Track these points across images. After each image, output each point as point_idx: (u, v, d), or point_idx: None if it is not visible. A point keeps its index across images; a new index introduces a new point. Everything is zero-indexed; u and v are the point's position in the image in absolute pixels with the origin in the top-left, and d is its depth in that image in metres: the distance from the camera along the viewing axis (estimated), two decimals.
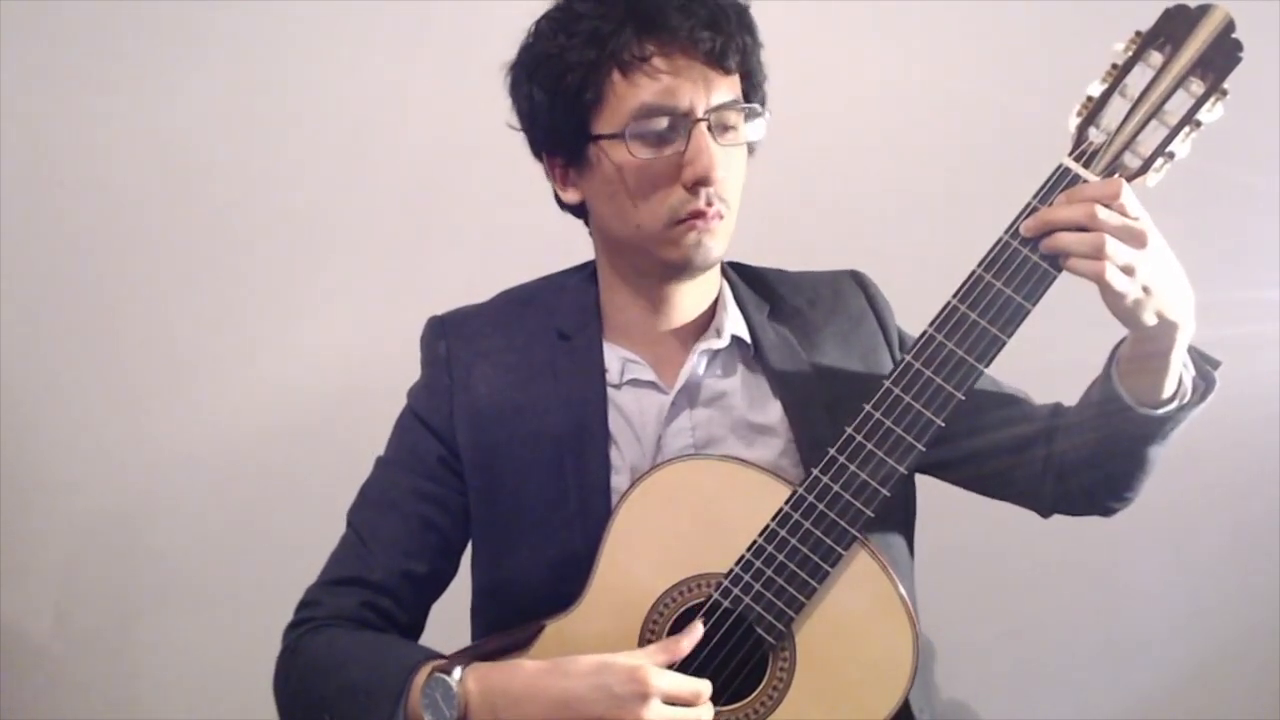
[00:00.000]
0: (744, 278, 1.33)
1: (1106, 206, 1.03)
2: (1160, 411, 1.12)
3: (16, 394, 1.91)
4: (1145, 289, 1.04)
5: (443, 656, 1.14)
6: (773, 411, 1.24)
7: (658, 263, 1.20)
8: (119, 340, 1.92)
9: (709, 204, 1.16)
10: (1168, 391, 1.12)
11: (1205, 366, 1.16)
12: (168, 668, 1.97)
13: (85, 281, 1.91)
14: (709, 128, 1.14)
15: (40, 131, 1.88)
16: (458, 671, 1.08)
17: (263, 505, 1.92)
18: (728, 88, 1.17)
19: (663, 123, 1.14)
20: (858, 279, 1.35)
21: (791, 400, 1.23)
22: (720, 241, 1.19)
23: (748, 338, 1.26)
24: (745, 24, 1.19)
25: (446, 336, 1.28)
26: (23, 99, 1.87)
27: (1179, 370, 1.12)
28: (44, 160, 1.89)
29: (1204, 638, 1.83)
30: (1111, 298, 1.04)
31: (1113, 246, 1.02)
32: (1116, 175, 1.05)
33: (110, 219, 1.89)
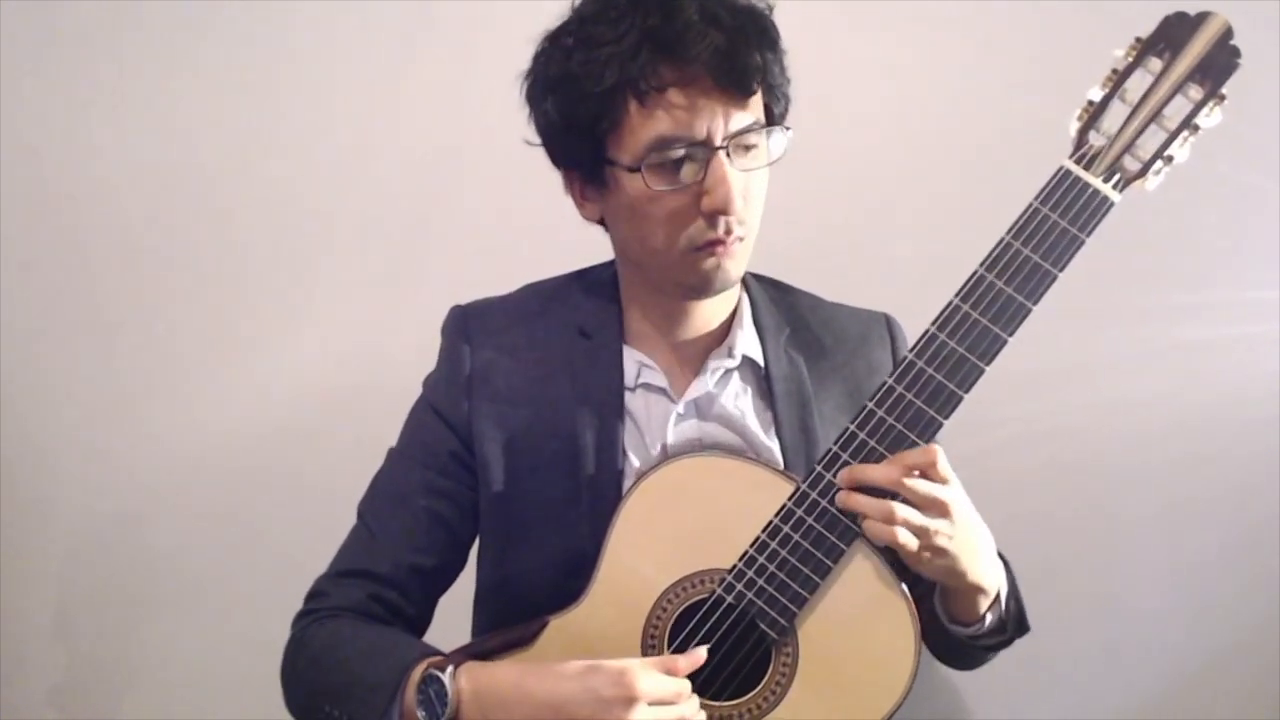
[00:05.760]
0: (770, 295, 1.31)
1: (923, 473, 1.06)
2: (964, 631, 1.18)
3: (16, 394, 1.91)
4: (941, 551, 1.08)
5: (441, 653, 1.14)
6: (774, 440, 1.24)
7: (675, 283, 1.20)
8: (119, 341, 1.92)
9: (728, 231, 1.14)
10: (971, 618, 1.17)
11: (1024, 618, 1.21)
12: (168, 668, 1.96)
13: (85, 282, 1.91)
14: (728, 154, 1.12)
15: (40, 132, 1.87)
16: (451, 669, 1.09)
17: (263, 506, 1.92)
18: (748, 110, 1.13)
19: (679, 152, 1.12)
20: (890, 326, 1.32)
21: (788, 441, 1.23)
22: (739, 264, 1.18)
23: (760, 359, 1.26)
24: (766, 38, 1.14)
25: (469, 328, 1.27)
26: (22, 99, 1.87)
27: (984, 606, 1.16)
28: (44, 161, 1.89)
29: (1204, 638, 1.83)
30: (906, 556, 1.08)
31: (905, 513, 1.05)
32: (936, 448, 1.08)
33: (110, 219, 1.89)
